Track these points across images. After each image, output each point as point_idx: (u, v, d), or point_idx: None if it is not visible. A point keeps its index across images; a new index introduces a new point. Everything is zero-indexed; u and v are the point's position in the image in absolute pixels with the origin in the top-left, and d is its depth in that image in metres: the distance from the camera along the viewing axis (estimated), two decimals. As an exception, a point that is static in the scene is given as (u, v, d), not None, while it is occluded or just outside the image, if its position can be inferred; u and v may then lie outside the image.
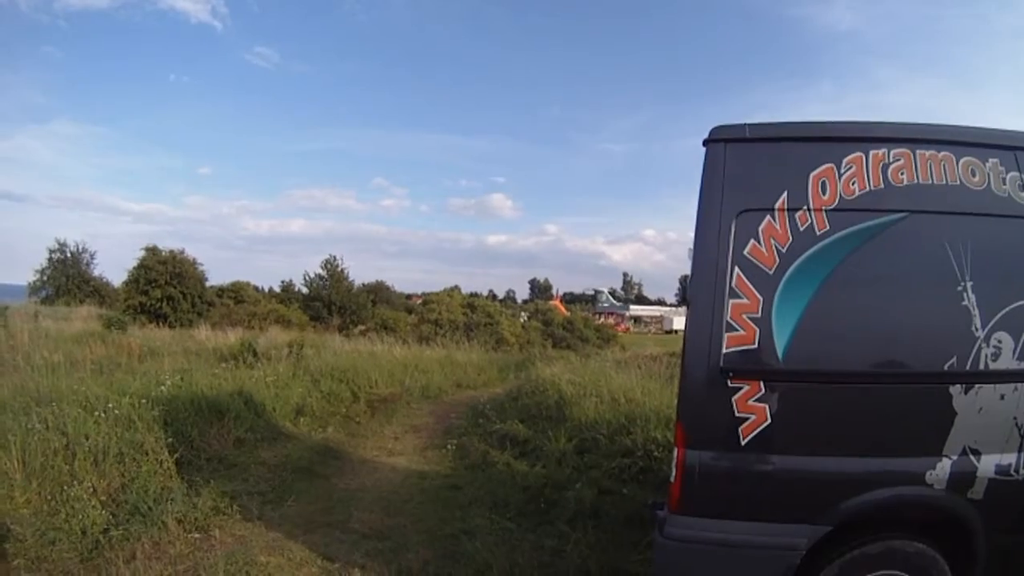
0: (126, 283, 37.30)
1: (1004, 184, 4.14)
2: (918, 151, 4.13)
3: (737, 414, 4.01)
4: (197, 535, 6.69)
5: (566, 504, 7.43)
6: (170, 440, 8.21)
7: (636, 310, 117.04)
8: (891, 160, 4.11)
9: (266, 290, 50.99)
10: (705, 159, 4.20)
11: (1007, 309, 4.04)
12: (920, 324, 4.06)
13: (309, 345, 19.41)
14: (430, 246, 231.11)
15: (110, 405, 8.28)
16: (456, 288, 55.37)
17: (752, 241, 4.05)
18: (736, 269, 4.04)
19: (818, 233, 4.04)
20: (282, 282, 51.31)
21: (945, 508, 4.06)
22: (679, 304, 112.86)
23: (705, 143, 4.21)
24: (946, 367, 4.02)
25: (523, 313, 50.58)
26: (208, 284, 40.17)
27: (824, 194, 4.06)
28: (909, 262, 4.08)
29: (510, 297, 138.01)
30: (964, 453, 4.04)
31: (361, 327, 38.23)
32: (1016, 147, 4.20)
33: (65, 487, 6.81)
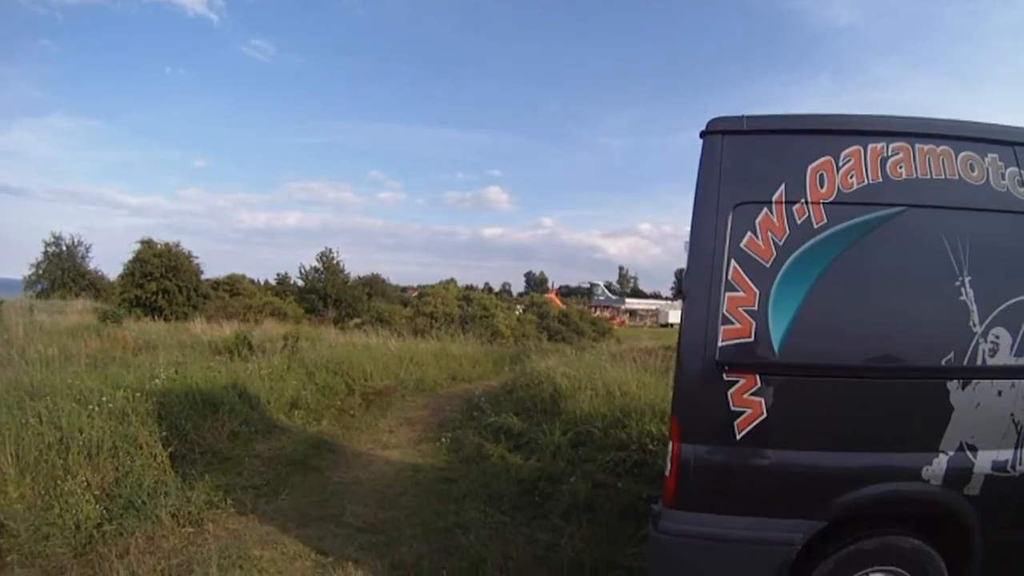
0: (121, 276, 37.23)
1: (1003, 179, 4.10)
2: (917, 145, 4.09)
3: (733, 408, 3.97)
4: (191, 529, 6.66)
5: (560, 497, 7.41)
6: (164, 434, 8.18)
7: (632, 303, 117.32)
8: (890, 154, 4.07)
9: (262, 283, 50.92)
10: (702, 151, 4.16)
11: (1005, 305, 4.01)
12: (918, 319, 4.03)
13: (304, 338, 19.37)
14: (426, 239, 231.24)
15: (104, 399, 8.23)
16: (452, 281, 55.45)
17: (749, 234, 4.01)
18: (732, 262, 4.00)
19: (816, 226, 4.00)
20: (278, 275, 51.34)
21: (941, 504, 4.03)
22: (675, 298, 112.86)
23: (702, 135, 4.17)
24: (943, 362, 3.99)
25: (518, 306, 50.50)
26: (203, 277, 40.08)
27: (822, 187, 4.02)
28: (907, 256, 4.04)
29: (506, 290, 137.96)
30: (961, 449, 4.01)
31: (356, 320, 38.17)
32: (1015, 143, 4.16)
33: (59, 482, 6.77)
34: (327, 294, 43.81)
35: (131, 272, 36.19)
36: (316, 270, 46.03)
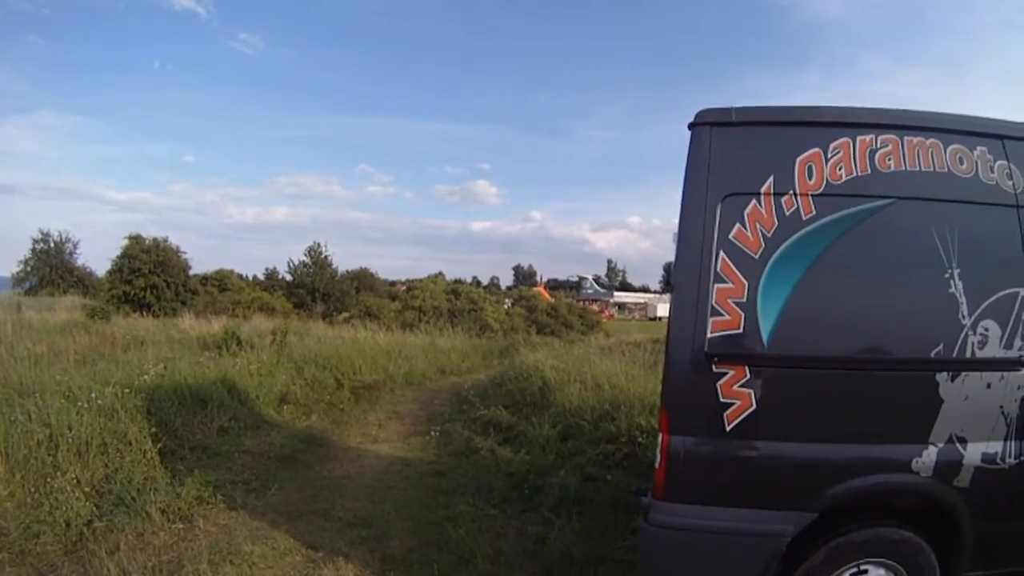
0: (110, 272, 37.07)
1: (992, 172, 4.10)
2: (906, 137, 4.08)
3: (722, 399, 3.95)
4: (181, 525, 6.61)
5: (550, 490, 7.40)
6: (153, 430, 8.12)
7: (620, 297, 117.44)
8: (878, 146, 4.05)
9: (250, 278, 50.73)
10: (690, 143, 4.13)
11: (994, 297, 4.01)
12: (907, 311, 4.02)
13: (293, 332, 19.36)
14: (414, 233, 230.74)
15: (93, 395, 8.18)
16: (440, 275, 55.57)
17: (737, 225, 3.99)
18: (721, 253, 3.98)
19: (804, 218, 3.98)
20: (266, 270, 51.17)
21: (931, 496, 4.03)
22: (663, 291, 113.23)
23: (690, 127, 4.14)
24: (933, 354, 3.98)
25: (507, 299, 50.52)
26: (192, 272, 39.97)
27: (811, 179, 4.00)
28: (896, 248, 4.03)
29: (494, 284, 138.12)
30: (950, 441, 4.01)
31: (345, 314, 38.13)
32: (1003, 135, 4.16)
33: (49, 479, 6.74)
34: (315, 289, 43.76)
35: (119, 268, 36.04)
36: (304, 265, 45.97)
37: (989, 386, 4.03)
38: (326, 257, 46.27)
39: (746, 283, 3.97)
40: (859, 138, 4.06)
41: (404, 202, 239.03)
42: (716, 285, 3.97)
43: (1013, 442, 4.06)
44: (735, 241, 3.99)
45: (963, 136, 4.12)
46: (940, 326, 4.00)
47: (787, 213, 3.99)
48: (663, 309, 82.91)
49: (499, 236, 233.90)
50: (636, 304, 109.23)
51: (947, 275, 3.98)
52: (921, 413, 4.01)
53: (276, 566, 5.94)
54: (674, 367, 4.12)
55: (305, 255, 46.24)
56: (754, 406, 3.95)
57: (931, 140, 4.09)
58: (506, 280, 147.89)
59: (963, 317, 3.99)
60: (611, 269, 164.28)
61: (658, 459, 4.10)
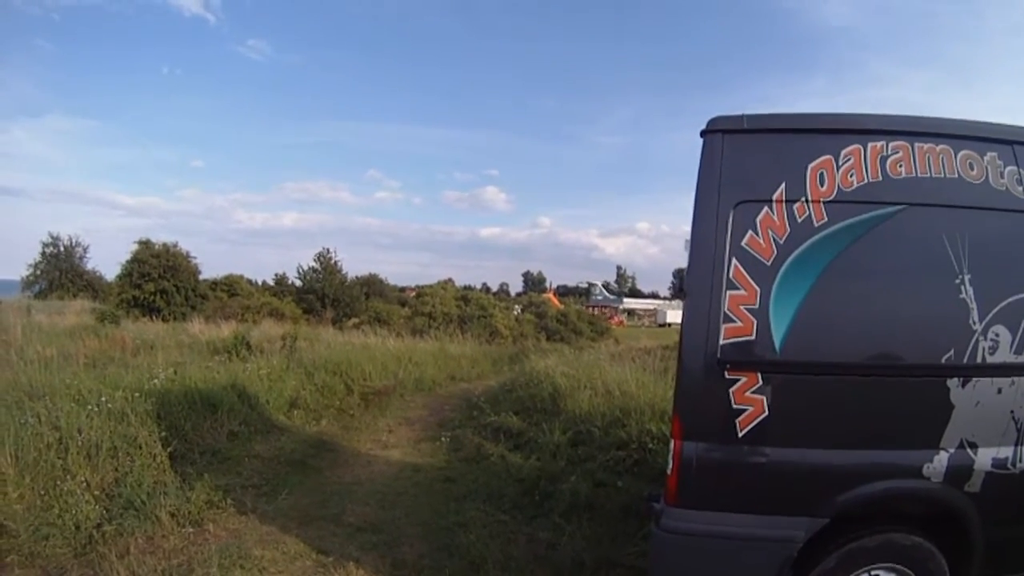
0: (119, 277, 37.13)
1: (1002, 178, 4.12)
2: (916, 144, 4.10)
3: (734, 406, 3.98)
4: (191, 529, 6.65)
5: (561, 496, 7.42)
6: (163, 434, 8.16)
7: (630, 303, 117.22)
8: (889, 152, 4.07)
9: (259, 283, 50.93)
10: (702, 150, 4.16)
11: (1005, 303, 4.02)
12: (918, 317, 4.03)
13: (302, 338, 19.40)
14: (423, 239, 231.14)
15: (103, 399, 8.22)
16: (449, 281, 55.29)
17: (750, 232, 4.01)
18: (733, 260, 4.00)
19: (816, 225, 4.00)
20: (275, 275, 51.22)
21: (942, 501, 4.05)
22: (673, 297, 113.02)
23: (702, 134, 4.17)
24: (944, 360, 4.00)
25: (516, 306, 50.47)
26: (201, 277, 40.00)
27: (822, 186, 4.03)
28: (907, 255, 4.05)
29: (503, 290, 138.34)
30: (961, 446, 4.02)
31: (354, 320, 38.14)
32: (1014, 141, 4.18)
33: (58, 482, 6.77)
34: (325, 294, 43.76)
35: (129, 272, 36.11)
36: (314, 270, 45.95)
37: (1000, 391, 4.04)
38: (335, 263, 46.31)
39: (758, 290, 3.99)
40: (870, 145, 4.08)
41: (413, 208, 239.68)
42: (728, 292, 4.00)
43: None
44: (747, 248, 4.02)
45: (973, 142, 4.14)
46: (951, 332, 4.01)
47: (799, 220, 4.02)
48: (673, 315, 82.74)
49: (508, 242, 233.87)
50: (646, 311, 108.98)
51: (957, 281, 4.00)
52: (932, 419, 4.02)
53: (286, 571, 5.97)
54: (687, 373, 4.14)
55: (314, 260, 46.26)
56: (766, 412, 3.96)
57: (941, 146, 4.11)
58: (515, 286, 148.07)
59: (974, 323, 4.00)
60: (620, 275, 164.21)
61: (670, 465, 4.13)
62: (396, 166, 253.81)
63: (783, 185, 4.04)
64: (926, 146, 4.10)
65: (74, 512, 6.40)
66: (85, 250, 46.37)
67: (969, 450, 4.03)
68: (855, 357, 4.03)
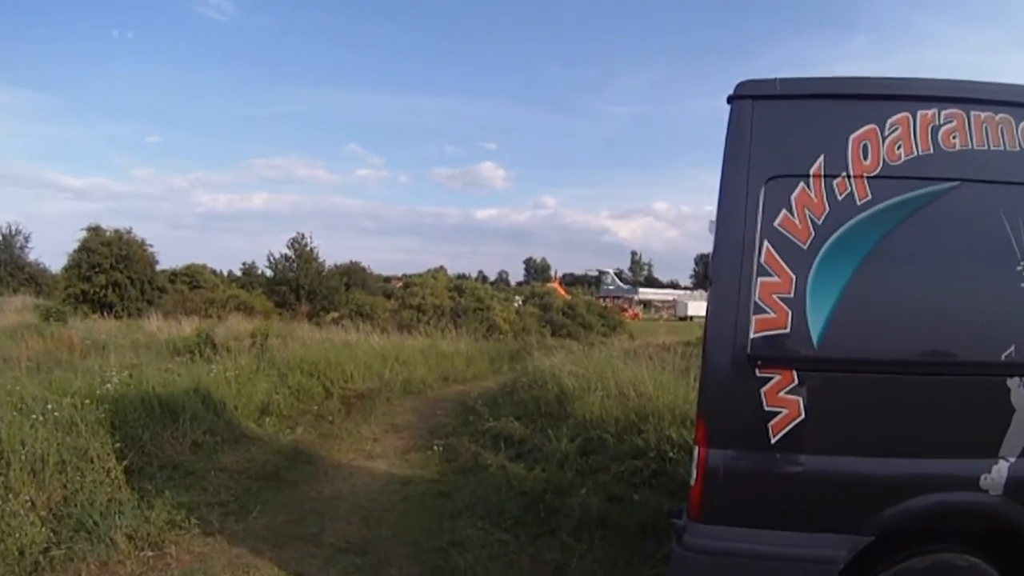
0: (66, 269, 37.17)
1: None
2: (972, 112, 4.06)
3: (766, 408, 3.98)
4: (150, 553, 6.64)
5: (569, 512, 7.43)
6: (118, 445, 8.17)
7: (646, 294, 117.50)
8: (942, 122, 4.04)
9: (225, 274, 51.16)
10: (729, 119, 4.15)
11: None
12: (974, 308, 4.01)
13: (275, 335, 19.45)
14: (411, 222, 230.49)
15: (49, 407, 8.21)
16: (441, 269, 55.47)
17: (783, 211, 4.01)
18: (765, 243, 4.00)
19: (859, 203, 3.99)
20: (243, 264, 51.55)
21: (1001, 516, 4.02)
22: (695, 286, 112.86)
23: (730, 100, 4.16)
24: (1004, 357, 3.97)
25: (517, 297, 50.49)
26: (159, 268, 40.11)
27: (865, 159, 4.01)
28: (962, 237, 4.03)
29: (502, 279, 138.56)
30: (1023, 455, 4.01)
31: (334, 314, 38.23)
32: None
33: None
34: (300, 285, 43.74)
35: (77, 264, 36.12)
36: (287, 258, 45.88)
37: None
38: (311, 250, 46.22)
39: (793, 277, 3.99)
40: (920, 113, 4.05)
41: (399, 187, 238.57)
42: (760, 279, 4.00)
43: None
44: (781, 229, 4.02)
45: None
46: (1012, 325, 3.98)
47: (839, 198, 4.01)
48: (695, 307, 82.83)
49: (507, 225, 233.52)
50: (664, 302, 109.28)
51: (1019, 267, 3.97)
52: (990, 423, 4.00)
53: (259, 598, 6.00)
54: (712, 371, 4.15)
55: (287, 247, 46.18)
56: (802, 415, 3.96)
57: (1001, 115, 4.07)
58: (516, 275, 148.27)
59: None
60: (635, 262, 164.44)
61: (693, 476, 4.13)
62: (379, 140, 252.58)
63: (821, 158, 4.03)
64: (983, 115, 4.07)
65: (18, 536, 6.37)
66: (26, 239, 46.62)
67: None
68: (902, 353, 4.02)
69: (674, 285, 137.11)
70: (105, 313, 32.23)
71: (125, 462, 7.98)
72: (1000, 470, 3.98)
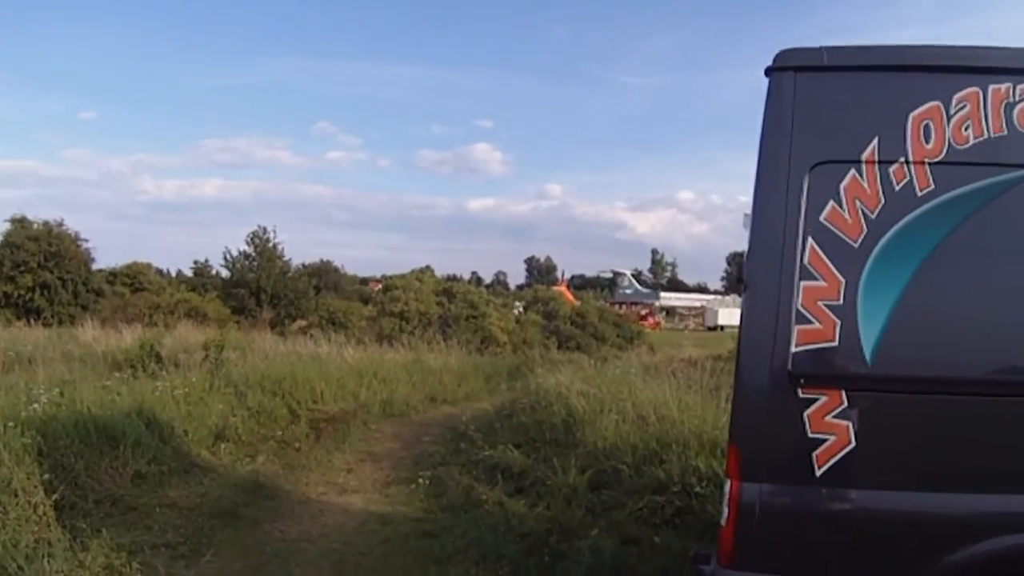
0: (-15, 267, 37.20)
1: None
2: None
3: (810, 434, 3.95)
4: (85, 602, 6.66)
5: (578, 557, 7.44)
6: (47, 476, 8.16)
7: (669, 299, 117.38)
8: (1018, 98, 4.02)
9: (173, 274, 51.24)
10: (768, 94, 4.15)
11: None
12: None
13: (231, 347, 19.42)
14: (393, 214, 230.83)
15: (-36, 431, 8.21)
16: (428, 270, 55.55)
17: (831, 203, 4.00)
18: (809, 241, 3.98)
19: (919, 193, 3.97)
20: (194, 263, 51.55)
21: None
22: (728, 291, 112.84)
23: (768, 72, 4.16)
24: None
25: (518, 303, 50.65)
26: (96, 267, 40.24)
27: (928, 142, 4.00)
28: None
29: (500, 281, 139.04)
30: None
31: (301, 322, 38.38)
32: None
33: (-94, 541, 6.77)
34: (261, 288, 43.84)
35: (-1, 261, 36.16)
36: (246, 256, 46.01)
37: None
38: (274, 246, 46.39)
39: (842, 280, 3.97)
40: (992, 88, 4.03)
41: (378, 173, 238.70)
42: (803, 283, 3.98)
43: None
44: (828, 224, 4.00)
45: None
46: None
47: (896, 187, 3.99)
48: (727, 315, 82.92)
49: (505, 218, 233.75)
50: (690, 309, 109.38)
51: None
52: None
53: (213, 657, 6.00)
54: (746, 392, 4.15)
55: (246, 243, 46.36)
56: (853, 443, 3.94)
57: None
58: (516, 276, 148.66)
59: None
60: (656, 262, 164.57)
61: (724, 514, 4.12)
62: (355, 117, 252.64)
63: (875, 141, 4.02)
64: None
65: (-73, 583, 6.40)
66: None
67: None
68: (972, 370, 4.00)
69: (702, 289, 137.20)
70: (32, 320, 32.29)
71: (55, 496, 7.98)
72: None
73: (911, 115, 4.02)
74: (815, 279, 3.98)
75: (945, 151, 3.99)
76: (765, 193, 4.09)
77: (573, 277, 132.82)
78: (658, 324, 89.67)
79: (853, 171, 4.01)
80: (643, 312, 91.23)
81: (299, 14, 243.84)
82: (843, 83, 4.15)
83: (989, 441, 3.98)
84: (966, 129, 3.99)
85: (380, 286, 50.20)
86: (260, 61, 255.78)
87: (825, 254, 3.98)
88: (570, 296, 62.37)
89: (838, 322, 3.96)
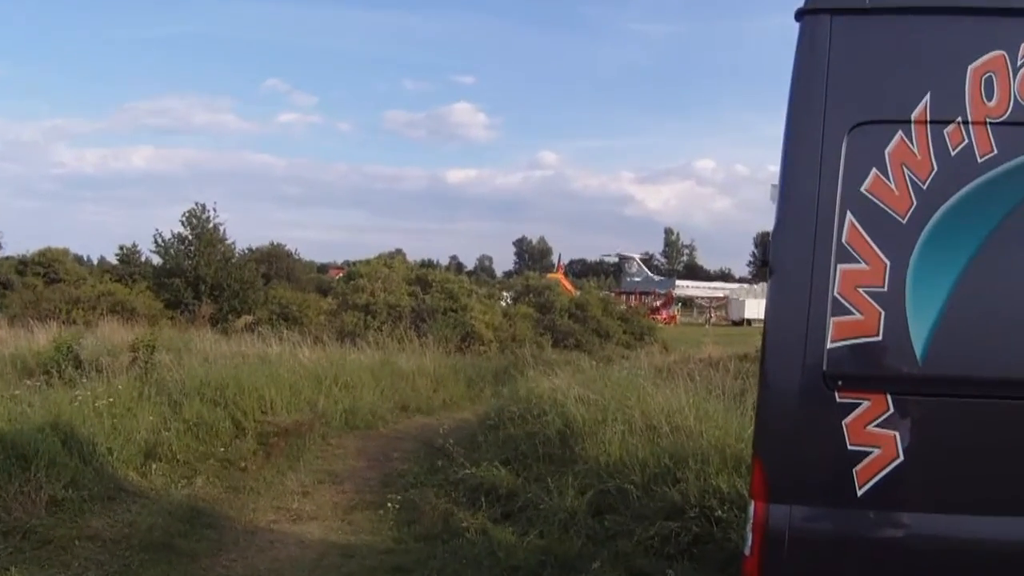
0: None
1: None
2: None
3: (850, 447, 3.92)
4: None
5: (578, 594, 7.46)
6: (-57, 502, 8.15)
7: (686, 288, 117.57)
8: None
9: (95, 262, 50.96)
10: (799, 42, 4.12)
11: None
12: None
13: (165, 347, 19.39)
14: (355, 187, 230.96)
15: None
16: (398, 254, 55.57)
17: (874, 172, 3.96)
18: (848, 216, 3.94)
19: (980, 159, 3.93)
20: (120, 249, 51.21)
21: None
22: (754, 278, 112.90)
23: (799, 15, 4.12)
24: None
25: (505, 293, 50.65)
26: (2, 254, 40.08)
27: (990, 99, 3.97)
28: None
29: (484, 268, 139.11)
30: None
31: (247, 318, 38.27)
32: None
33: None
34: (200, 278, 43.67)
35: None
36: (181, 240, 45.74)
37: None
38: (215, 227, 46.13)
39: (888, 263, 3.93)
40: (1068, 35, 4.03)
41: (338, 139, 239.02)
42: (840, 266, 3.94)
43: None
44: (871, 197, 3.96)
45: None
46: None
47: (953, 152, 3.95)
48: (754, 307, 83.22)
49: (490, 192, 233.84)
50: (711, 300, 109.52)
51: None
52: None
53: None
54: (773, 397, 4.13)
55: (182, 224, 46.03)
56: (900, 457, 3.91)
57: None
58: (503, 262, 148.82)
59: None
60: (670, 244, 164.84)
61: (748, 543, 4.11)
62: (310, 72, 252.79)
63: (927, 97, 3.98)
64: None
65: None
66: None
67: None
68: None
69: (725, 276, 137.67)
70: (-77, 318, 32.18)
71: (-47, 527, 7.97)
72: None
73: (970, 67, 3.97)
74: (855, 261, 3.94)
75: (1010, 109, 3.94)
76: (796, 160, 4.07)
77: (571, 262, 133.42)
78: (673, 318, 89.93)
79: (900, 133, 3.97)
80: (655, 304, 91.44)
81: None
82: (889, 28, 4.11)
83: None
84: (1036, 84, 3.97)
85: (341, 274, 50.21)
86: (198, 7, 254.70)
87: (867, 231, 3.94)
88: (568, 285, 62.64)
89: (882, 312, 3.91)
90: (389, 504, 11.01)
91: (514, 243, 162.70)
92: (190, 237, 45.45)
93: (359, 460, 14.25)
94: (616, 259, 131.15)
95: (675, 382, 14.15)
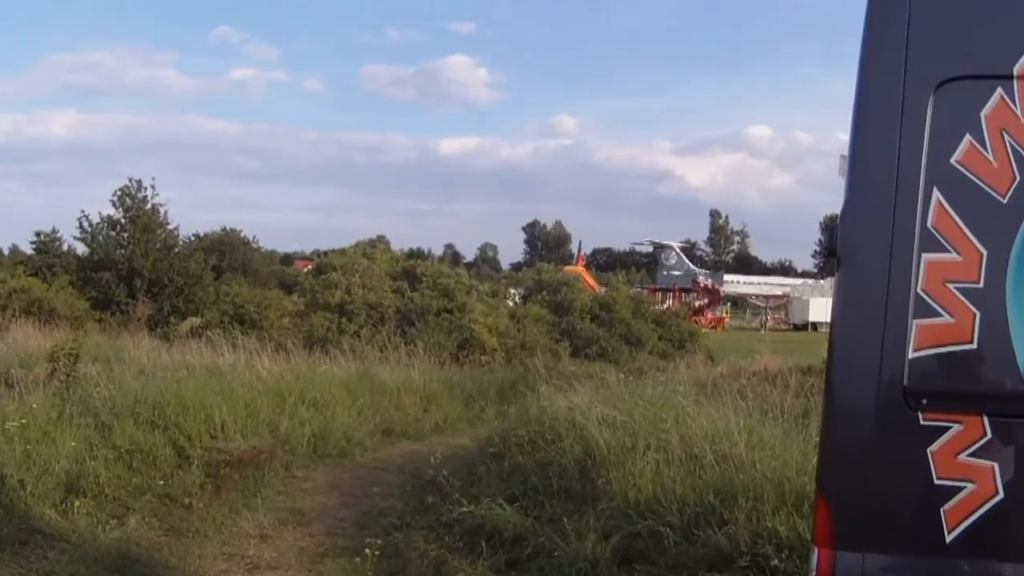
0: None
1: None
2: None
3: (937, 481, 3.88)
4: None
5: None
6: None
7: (737, 284, 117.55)
8: None
9: (5, 251, 50.98)
10: (871, -14, 4.11)
11: None
12: None
13: (91, 357, 19.39)
14: (328, 160, 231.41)
15: None
16: (381, 241, 55.52)
17: (967, 139, 3.91)
18: (935, 194, 3.90)
19: (1097, 125, 3.95)
20: (36, 236, 51.33)
21: None
22: (822, 272, 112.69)
23: (869, -46, 4.12)
24: None
25: (513, 290, 50.69)
26: None
27: (1110, 51, 3.97)
28: None
29: (487, 259, 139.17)
30: None
31: (193, 320, 38.33)
32: None
33: None
34: (135, 271, 43.69)
35: None
36: (112, 224, 45.72)
37: None
38: (155, 209, 46.13)
39: (984, 252, 3.87)
40: None
41: (306, 100, 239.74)
42: (925, 256, 3.88)
43: None
44: (963, 169, 3.92)
45: None
46: None
47: (1065, 116, 3.95)
48: (820, 307, 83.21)
49: (494, 166, 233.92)
50: (767, 299, 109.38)
51: None
52: None
53: None
54: (841, 419, 4.12)
55: (113, 204, 46.02)
56: (1000, 494, 3.85)
57: None
58: (511, 252, 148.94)
59: None
60: (717, 230, 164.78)
61: (812, 599, 4.11)
62: (271, 19, 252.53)
63: (1032, 49, 3.98)
64: None
65: None
66: None
67: None
68: None
69: (785, 269, 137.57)
70: None
71: None
72: None
73: (1083, 13, 3.97)
74: (944, 250, 3.89)
75: None
76: (870, 126, 4.03)
77: (594, 252, 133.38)
78: (721, 321, 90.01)
79: (1000, 91, 3.90)
80: (699, 303, 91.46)
81: None
82: None
83: None
84: None
85: (310, 266, 50.30)
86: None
87: (958, 213, 3.88)
88: (590, 280, 62.66)
89: (977, 313, 3.85)
90: (367, 550, 10.95)
91: (524, 228, 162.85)
92: (123, 221, 45.40)
93: (330, 496, 14.27)
94: (650, 248, 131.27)
95: (722, 400, 14.15)
